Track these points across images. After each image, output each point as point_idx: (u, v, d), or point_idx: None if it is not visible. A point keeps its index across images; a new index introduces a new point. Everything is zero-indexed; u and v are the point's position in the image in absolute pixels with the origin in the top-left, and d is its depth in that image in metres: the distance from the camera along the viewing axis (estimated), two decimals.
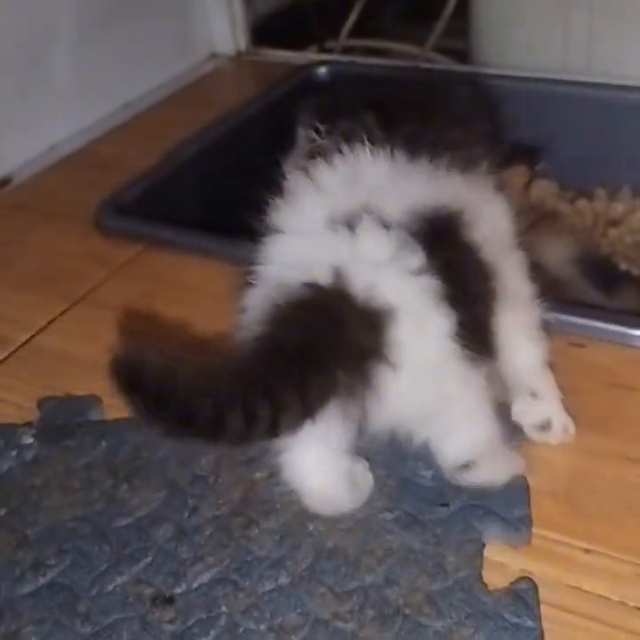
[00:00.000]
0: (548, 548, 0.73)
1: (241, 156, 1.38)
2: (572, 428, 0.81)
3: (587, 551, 0.72)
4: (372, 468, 0.78)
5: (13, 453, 0.85)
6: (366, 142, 0.80)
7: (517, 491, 0.76)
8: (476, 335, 0.71)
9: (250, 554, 0.73)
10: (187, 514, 0.78)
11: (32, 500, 0.80)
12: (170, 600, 0.71)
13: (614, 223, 1.33)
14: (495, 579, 0.70)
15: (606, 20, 1.43)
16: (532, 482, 0.77)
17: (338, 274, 0.69)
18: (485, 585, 0.69)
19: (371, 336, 0.68)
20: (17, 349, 1.01)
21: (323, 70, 1.53)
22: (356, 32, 1.69)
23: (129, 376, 0.63)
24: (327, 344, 0.67)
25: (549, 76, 1.45)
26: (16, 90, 1.36)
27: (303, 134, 0.97)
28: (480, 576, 0.70)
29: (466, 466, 0.74)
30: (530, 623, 0.66)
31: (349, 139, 0.85)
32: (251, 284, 0.77)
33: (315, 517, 0.75)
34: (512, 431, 0.80)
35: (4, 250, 1.18)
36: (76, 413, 0.89)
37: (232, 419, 0.61)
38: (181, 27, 1.64)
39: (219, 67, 1.68)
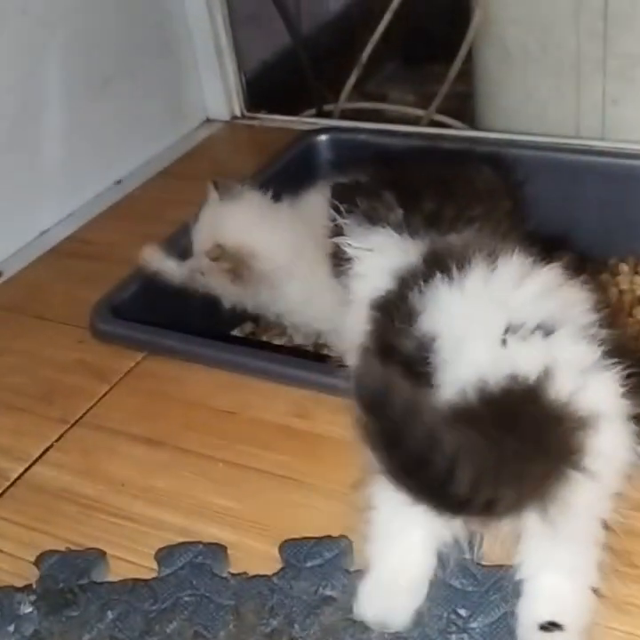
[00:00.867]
0: None
1: None
2: None
3: None
4: None
5: (11, 628, 0.77)
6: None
7: None
8: None
9: None
10: None
11: None
12: None
13: None
14: None
15: (620, 85, 1.36)
16: None
17: (543, 377, 0.68)
18: None
19: (572, 442, 0.66)
20: (11, 485, 0.94)
21: (324, 137, 1.46)
22: (356, 94, 1.61)
23: (375, 399, 0.61)
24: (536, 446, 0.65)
25: (562, 141, 1.38)
26: (2, 175, 1.28)
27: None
28: None
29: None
30: None
31: (371, 218, 0.88)
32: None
33: None
34: None
35: None
36: (78, 572, 0.81)
37: (471, 488, 0.60)
38: (173, 94, 1.57)
39: (213, 133, 1.60)
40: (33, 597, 0.79)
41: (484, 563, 0.75)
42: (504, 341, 0.71)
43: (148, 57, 1.52)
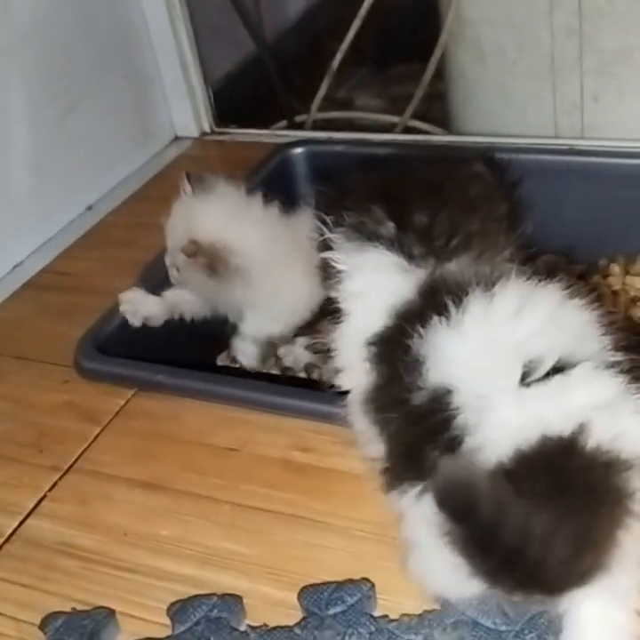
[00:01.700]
0: None
1: None
2: None
3: None
4: None
5: None
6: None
7: None
8: None
9: None
10: None
11: None
12: None
13: (635, 300, 1.24)
14: None
15: (600, 81, 1.33)
16: None
17: (581, 428, 0.65)
18: None
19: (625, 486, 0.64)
20: (5, 542, 0.89)
21: (300, 150, 1.42)
22: (326, 103, 1.57)
23: (460, 502, 0.60)
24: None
25: (542, 142, 1.35)
26: None
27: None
28: None
29: None
30: None
31: (360, 233, 0.83)
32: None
33: None
34: None
35: None
36: (88, 635, 0.76)
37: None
38: (140, 113, 1.53)
39: (183, 151, 1.56)
40: None
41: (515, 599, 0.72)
42: (528, 385, 0.68)
43: (112, 77, 1.47)
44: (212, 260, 1.10)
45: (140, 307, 1.13)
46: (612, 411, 0.66)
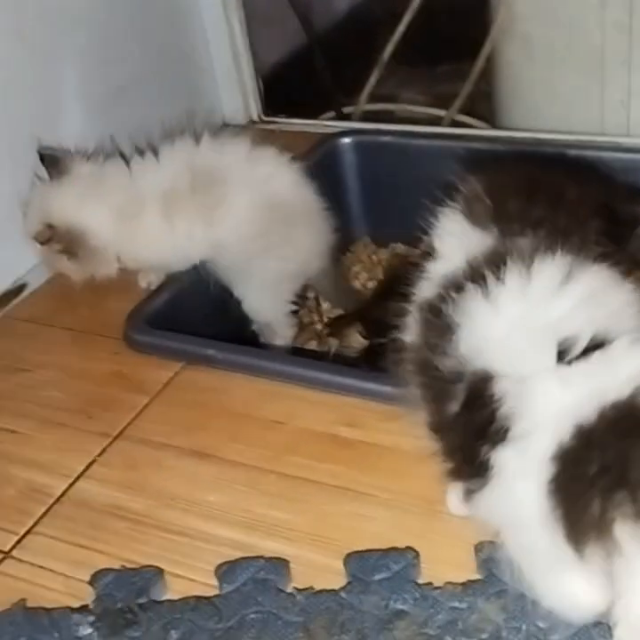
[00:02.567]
0: None
1: None
2: None
3: None
4: None
5: None
6: None
7: None
8: None
9: None
10: None
11: None
12: None
13: None
14: None
15: None
16: None
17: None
18: None
19: None
20: (55, 503, 0.91)
21: (348, 140, 1.44)
22: (372, 95, 1.59)
23: None
24: None
25: (587, 139, 1.36)
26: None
27: None
28: None
29: None
30: None
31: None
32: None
33: None
34: None
35: (27, 376, 1.08)
36: (136, 591, 0.78)
37: None
38: (190, 99, 1.54)
39: None
40: (91, 618, 0.77)
41: None
42: (569, 363, 0.68)
43: (164, 62, 1.50)
44: (67, 244, 1.12)
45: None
46: None
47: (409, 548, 0.78)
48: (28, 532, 0.88)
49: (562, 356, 0.69)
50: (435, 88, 1.75)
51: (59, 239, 1.12)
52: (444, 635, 0.71)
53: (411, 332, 0.81)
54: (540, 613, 0.70)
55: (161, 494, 0.90)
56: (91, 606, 0.78)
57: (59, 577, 0.83)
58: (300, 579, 0.78)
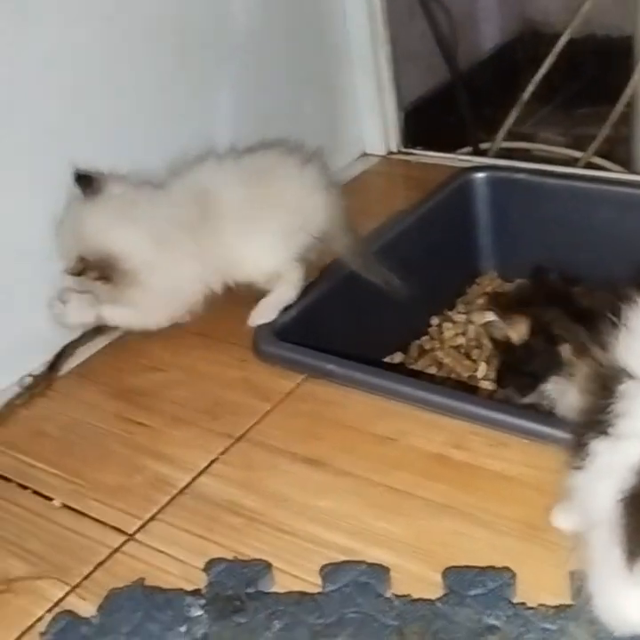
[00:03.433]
0: None
1: (398, 270, 1.33)
2: None
3: None
4: None
5: (182, 629, 0.80)
6: None
7: None
8: None
9: None
10: None
11: None
12: None
13: None
14: None
15: None
16: None
17: None
18: None
19: None
20: (178, 494, 0.98)
21: (481, 175, 1.48)
22: (509, 133, 1.63)
23: None
24: None
25: None
26: None
27: None
28: None
29: None
30: None
31: None
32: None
33: None
34: None
35: (162, 376, 1.16)
36: (246, 582, 0.84)
37: None
38: (332, 128, 1.62)
39: (369, 167, 1.64)
40: (202, 602, 0.83)
41: None
42: None
43: (311, 90, 1.57)
44: (102, 271, 1.14)
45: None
46: None
47: (506, 568, 0.81)
48: (151, 519, 0.95)
49: None
50: (573, 129, 1.76)
51: (92, 268, 1.14)
52: None
53: None
54: None
55: (275, 495, 0.95)
56: (203, 591, 0.84)
57: (176, 562, 0.89)
58: (398, 586, 0.82)
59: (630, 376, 0.72)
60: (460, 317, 1.43)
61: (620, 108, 1.48)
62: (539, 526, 0.85)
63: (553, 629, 0.75)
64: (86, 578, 0.89)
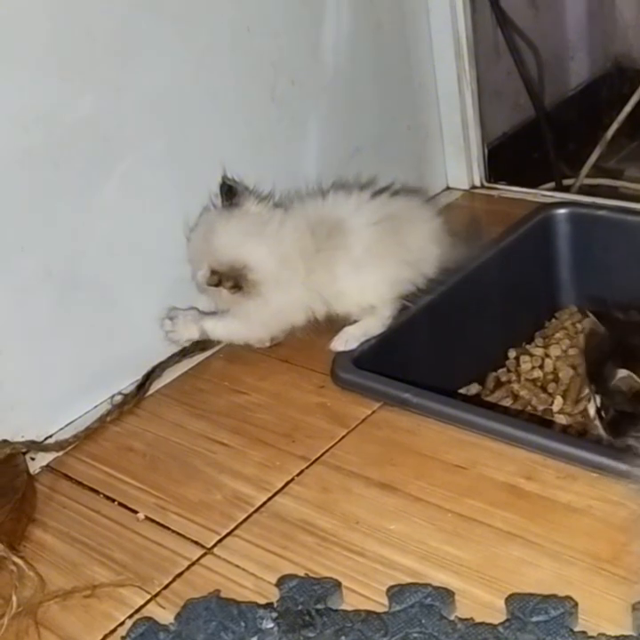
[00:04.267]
0: None
1: (478, 302, 1.36)
2: None
3: None
4: None
5: (254, 639, 0.84)
6: None
7: None
8: None
9: None
10: None
11: None
12: None
13: None
14: None
15: None
16: None
17: None
18: None
19: None
20: (255, 512, 1.02)
21: (563, 211, 1.49)
22: (592, 170, 1.64)
23: None
24: None
25: None
26: None
27: None
28: None
29: None
30: None
31: None
32: None
33: None
34: None
35: (244, 398, 1.21)
36: (316, 598, 0.88)
37: None
38: (417, 162, 1.66)
39: (452, 201, 1.67)
40: (274, 615, 0.87)
41: None
42: None
43: (397, 127, 1.61)
44: (235, 281, 1.20)
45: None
46: None
47: (568, 597, 0.83)
48: (228, 534, 1.00)
49: None
50: None
51: (226, 279, 1.21)
52: None
53: None
54: None
55: (347, 517, 0.99)
56: (275, 605, 0.88)
57: (250, 576, 0.94)
58: (462, 609, 0.85)
59: None
60: (538, 351, 1.44)
61: None
62: (605, 559, 0.87)
63: None
64: (166, 587, 0.94)
